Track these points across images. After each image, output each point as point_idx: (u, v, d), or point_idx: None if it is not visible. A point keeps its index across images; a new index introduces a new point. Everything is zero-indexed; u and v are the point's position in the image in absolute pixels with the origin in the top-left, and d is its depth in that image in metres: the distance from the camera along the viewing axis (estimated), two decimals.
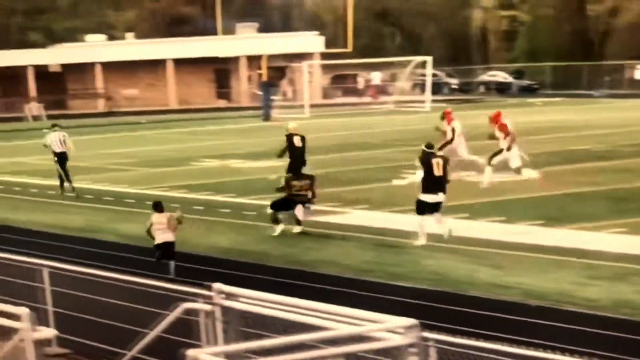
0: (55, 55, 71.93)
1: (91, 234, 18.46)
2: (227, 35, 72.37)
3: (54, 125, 24.97)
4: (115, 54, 70.91)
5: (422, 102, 55.74)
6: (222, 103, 72.06)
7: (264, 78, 55.26)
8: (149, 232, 14.09)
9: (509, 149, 21.30)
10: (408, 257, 15.02)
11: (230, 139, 29.79)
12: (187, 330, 9.16)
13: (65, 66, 72.07)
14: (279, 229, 17.12)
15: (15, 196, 24.34)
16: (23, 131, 47.09)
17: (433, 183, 15.38)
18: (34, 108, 60.76)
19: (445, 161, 16.05)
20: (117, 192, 24.26)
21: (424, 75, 60.26)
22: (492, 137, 21.86)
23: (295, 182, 17.30)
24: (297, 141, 18.56)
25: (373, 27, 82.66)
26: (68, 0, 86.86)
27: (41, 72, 70.44)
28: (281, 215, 17.24)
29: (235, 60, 72.70)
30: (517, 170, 21.52)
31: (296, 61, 63.30)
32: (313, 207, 17.48)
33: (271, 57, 61.15)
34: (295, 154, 18.47)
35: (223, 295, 8.19)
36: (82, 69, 71.78)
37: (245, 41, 72.48)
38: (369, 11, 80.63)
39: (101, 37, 75.33)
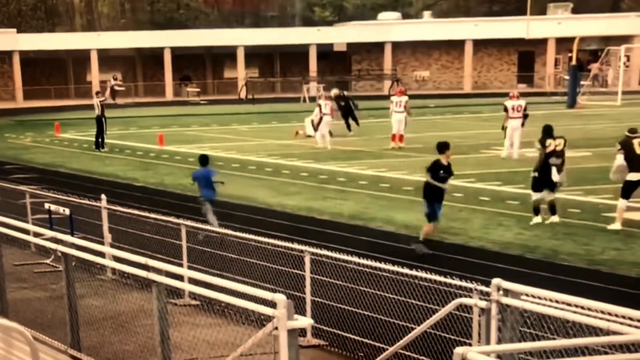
0: (342, 34, 74.23)
1: (362, 221, 18.71)
2: (537, 15, 71.28)
3: None
4: (409, 33, 72.19)
5: None
6: (522, 88, 71.02)
7: (574, 62, 54.02)
8: None
9: None
10: None
11: (529, 126, 29.05)
12: (458, 328, 9.02)
13: (351, 45, 74.20)
14: (536, 219, 17.58)
15: (284, 179, 25.38)
16: (290, 113, 49.29)
17: (637, 162, 16.86)
18: (312, 89, 63.16)
19: None
20: (395, 178, 24.54)
21: None
22: None
23: (550, 140, 17.49)
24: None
25: None
26: None
27: (324, 51, 73.16)
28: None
29: (542, 42, 71.33)
30: None
31: (613, 44, 61.03)
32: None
33: (584, 40, 59.46)
34: None
35: (501, 292, 8.03)
36: (370, 49, 73.73)
37: (556, 22, 70.78)
38: None
39: (395, 15, 76.89)
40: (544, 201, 17.67)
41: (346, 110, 37.02)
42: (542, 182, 17.38)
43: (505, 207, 19.69)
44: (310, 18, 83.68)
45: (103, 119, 35.05)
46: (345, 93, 39.75)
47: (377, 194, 22.15)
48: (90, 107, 39.81)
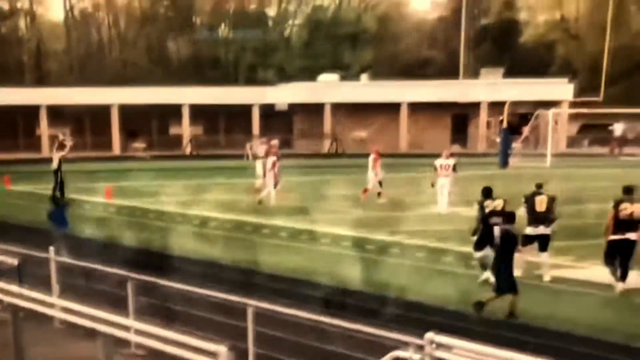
0: (283, 94, 74.67)
1: (303, 275, 18.78)
2: (469, 80, 72.68)
3: None
4: (347, 94, 72.99)
5: None
6: (455, 149, 72.00)
7: (505, 125, 55.04)
8: None
9: None
10: None
11: (462, 186, 29.53)
12: None
13: (292, 105, 74.68)
14: (485, 275, 17.43)
15: (228, 234, 25.41)
16: (234, 169, 49.38)
17: (535, 218, 18.07)
18: (255, 147, 63.24)
19: (551, 199, 18.21)
20: (334, 234, 24.68)
21: None
22: None
23: (488, 201, 17.61)
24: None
25: (634, 75, 78.99)
26: (302, 40, 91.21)
27: (267, 110, 73.52)
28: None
29: (475, 105, 72.64)
30: None
31: (542, 108, 62.47)
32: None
33: (514, 104, 60.68)
34: None
35: (434, 346, 8.13)
36: (311, 109, 74.24)
37: (488, 86, 72.23)
38: (629, 59, 77.38)
39: (334, 77, 77.66)
40: (489, 258, 17.85)
41: None
42: (484, 241, 17.53)
43: (441, 263, 19.91)
44: (253, 78, 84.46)
45: (59, 173, 34.75)
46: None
47: (318, 249, 22.25)
48: (42, 160, 39.26)
